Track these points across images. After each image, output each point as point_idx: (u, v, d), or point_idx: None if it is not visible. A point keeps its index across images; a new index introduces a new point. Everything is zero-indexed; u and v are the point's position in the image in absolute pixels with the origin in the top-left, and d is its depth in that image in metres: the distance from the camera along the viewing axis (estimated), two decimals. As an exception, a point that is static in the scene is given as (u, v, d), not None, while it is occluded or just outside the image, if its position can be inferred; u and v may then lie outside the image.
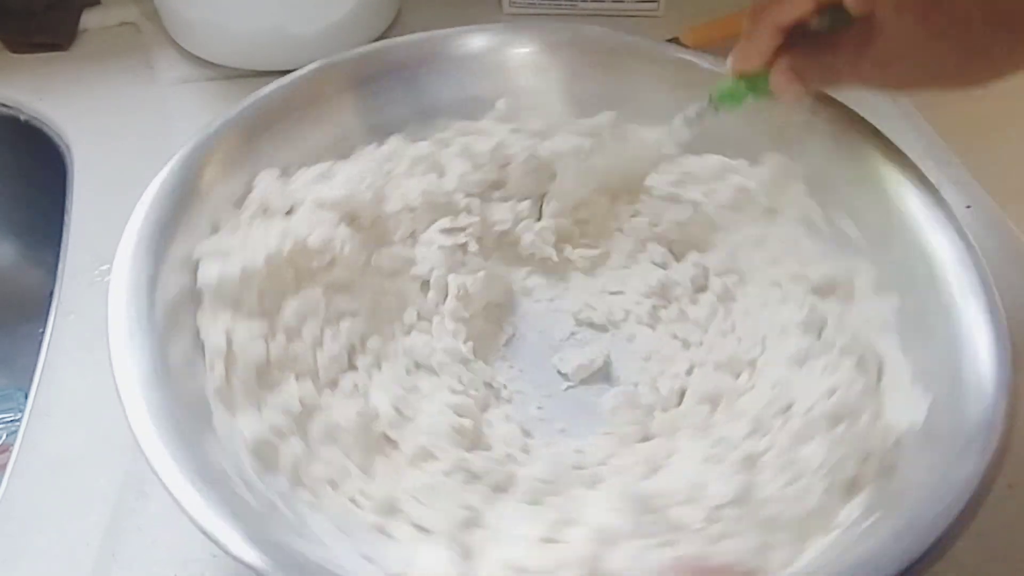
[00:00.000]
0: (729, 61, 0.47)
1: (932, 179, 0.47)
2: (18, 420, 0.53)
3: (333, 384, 0.45)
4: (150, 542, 0.43)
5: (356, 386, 0.45)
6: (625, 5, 0.74)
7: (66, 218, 0.59)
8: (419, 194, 0.51)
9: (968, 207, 0.58)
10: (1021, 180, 0.61)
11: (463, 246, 0.52)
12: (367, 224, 0.49)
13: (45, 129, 0.65)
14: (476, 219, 0.52)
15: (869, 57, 0.41)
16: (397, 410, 0.44)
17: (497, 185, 0.54)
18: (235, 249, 0.44)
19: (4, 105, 0.67)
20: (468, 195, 0.52)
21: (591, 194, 0.54)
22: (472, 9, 0.73)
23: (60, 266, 0.56)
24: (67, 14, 0.72)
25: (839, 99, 0.50)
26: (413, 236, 0.52)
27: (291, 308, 0.45)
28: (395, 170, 0.51)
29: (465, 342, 0.49)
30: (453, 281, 0.50)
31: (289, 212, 0.48)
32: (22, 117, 0.66)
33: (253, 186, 0.48)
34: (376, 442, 0.43)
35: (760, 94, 0.47)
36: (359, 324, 0.47)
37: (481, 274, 0.51)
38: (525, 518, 0.40)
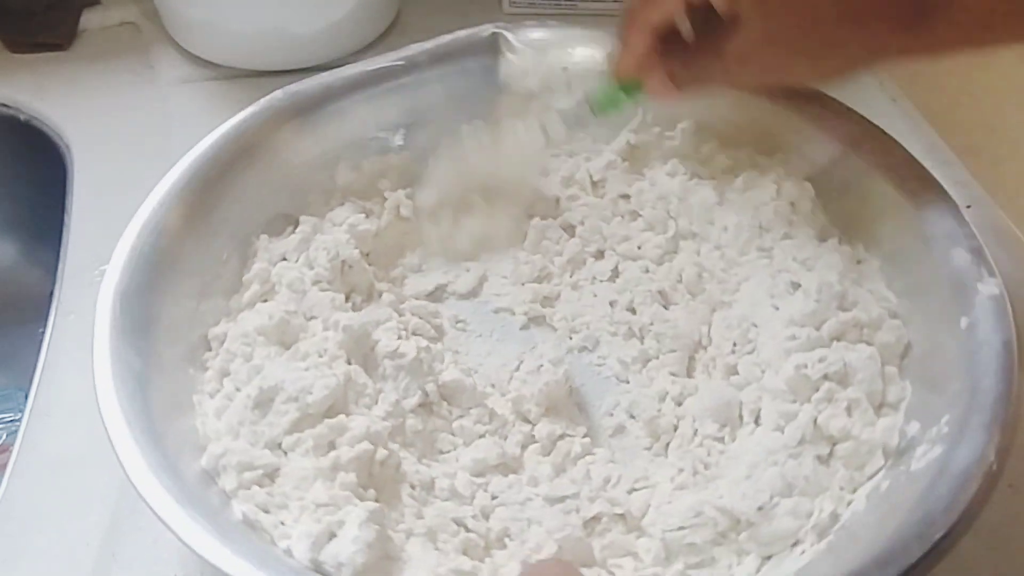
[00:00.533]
0: (605, 66, 0.48)
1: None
2: (18, 420, 0.52)
3: None
4: (150, 542, 0.43)
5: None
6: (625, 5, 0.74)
7: (66, 218, 0.59)
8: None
9: (968, 207, 0.58)
10: (1021, 180, 0.61)
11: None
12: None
13: (45, 129, 0.65)
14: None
15: (732, 53, 0.42)
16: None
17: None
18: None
19: (4, 105, 0.67)
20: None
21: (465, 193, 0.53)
22: (472, 9, 0.73)
23: (60, 266, 0.56)
24: (67, 14, 0.72)
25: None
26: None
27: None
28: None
29: None
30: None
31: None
32: (22, 117, 0.66)
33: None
34: None
35: (636, 97, 0.48)
36: None
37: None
38: None
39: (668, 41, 0.45)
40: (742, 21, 0.41)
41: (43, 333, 0.52)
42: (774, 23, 0.41)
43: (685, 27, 0.44)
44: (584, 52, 0.54)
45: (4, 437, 0.64)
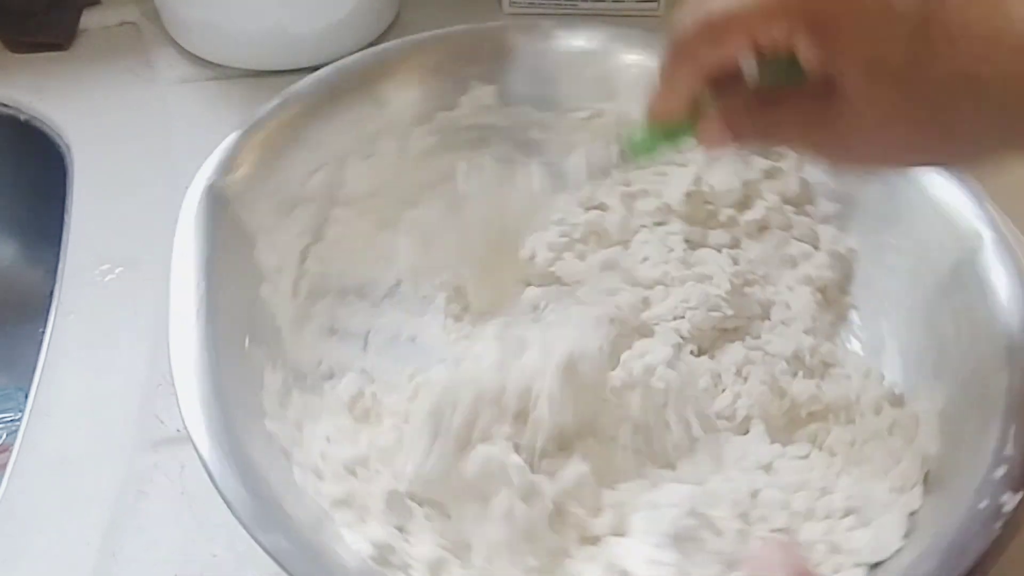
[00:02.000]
0: (644, 107, 0.39)
1: (932, 178, 0.47)
2: (18, 420, 0.52)
3: None
4: (150, 542, 0.43)
5: None
6: (625, 5, 0.74)
7: (66, 218, 0.59)
8: None
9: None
10: (1021, 180, 0.61)
11: None
12: None
13: (45, 129, 0.65)
14: None
15: (827, 126, 0.34)
16: None
17: None
18: None
19: (4, 105, 0.67)
20: None
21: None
22: (472, 9, 0.73)
23: (60, 266, 0.56)
24: (67, 14, 0.72)
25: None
26: None
27: None
28: None
29: None
30: None
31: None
32: (22, 117, 0.66)
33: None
34: None
35: (678, 143, 0.40)
36: None
37: None
38: None
39: (722, 82, 0.37)
40: (842, 87, 0.32)
41: (43, 333, 0.52)
42: (892, 99, 0.31)
43: (751, 73, 0.36)
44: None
45: (4, 437, 0.64)
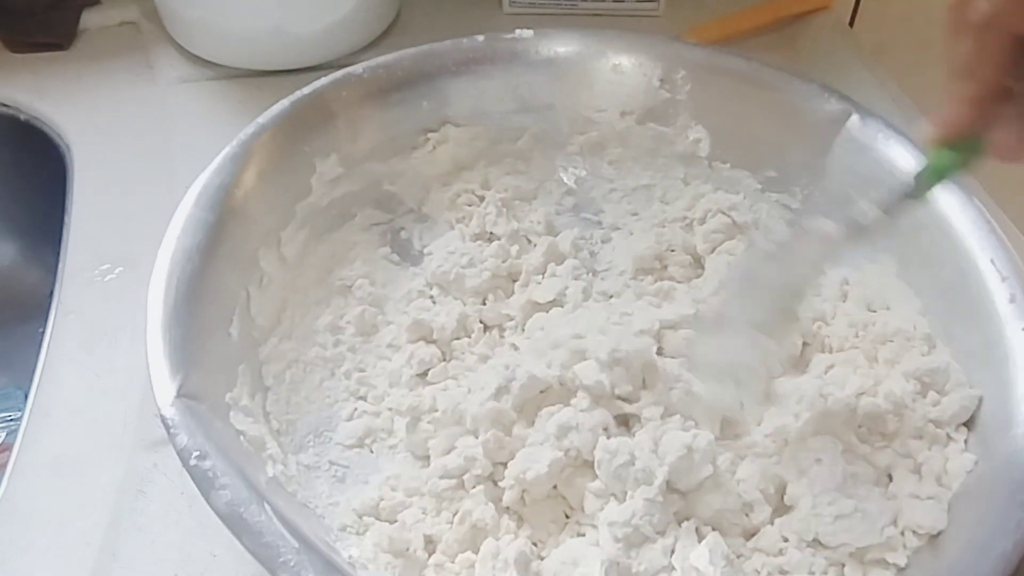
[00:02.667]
0: (929, 127, 0.35)
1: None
2: (18, 419, 0.52)
3: None
4: (150, 542, 0.43)
5: None
6: (625, 5, 0.74)
7: (66, 218, 0.59)
8: None
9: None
10: (1021, 180, 0.61)
11: None
12: None
13: (45, 129, 0.65)
14: None
15: None
16: None
17: None
18: None
19: (4, 105, 0.67)
20: None
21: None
22: (472, 9, 0.73)
23: (60, 266, 0.56)
24: (67, 14, 0.72)
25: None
26: None
27: None
28: None
29: None
30: None
31: None
32: (22, 117, 0.66)
33: None
34: None
35: (968, 164, 0.36)
36: None
37: None
38: None
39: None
40: None
41: (43, 333, 0.52)
42: None
43: None
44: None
45: (4, 437, 0.64)
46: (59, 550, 0.43)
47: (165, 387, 0.39)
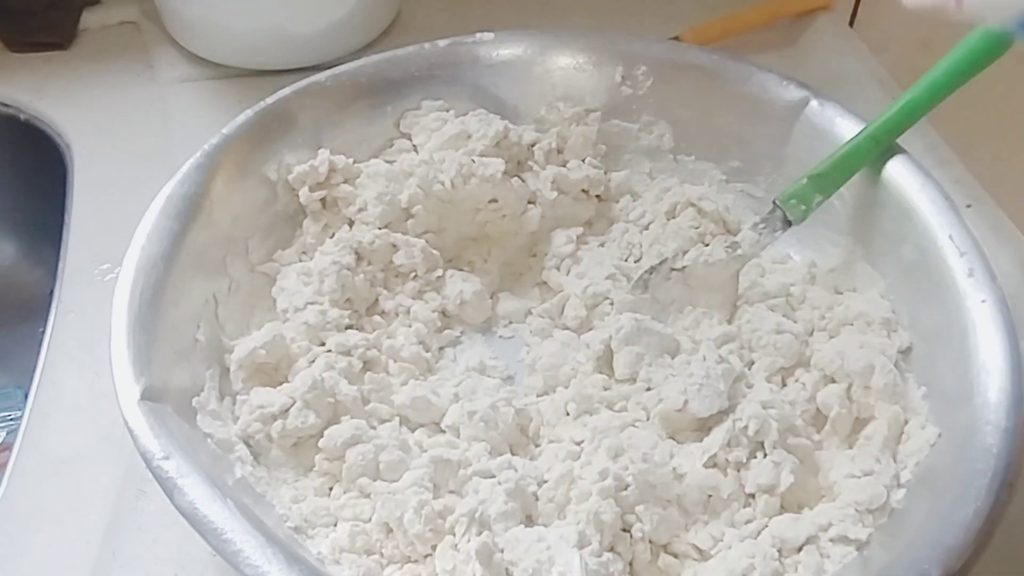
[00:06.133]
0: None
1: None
2: (18, 419, 0.53)
3: None
4: (150, 541, 0.43)
5: None
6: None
7: (66, 218, 0.59)
8: None
9: (968, 206, 0.58)
10: (1021, 180, 0.61)
11: None
12: None
13: (45, 129, 0.65)
14: None
15: None
16: None
17: None
18: None
19: (4, 105, 0.67)
20: None
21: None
22: (473, 9, 0.73)
23: (60, 266, 0.56)
24: (67, 14, 0.72)
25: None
26: None
27: None
28: None
29: None
30: None
31: None
32: (22, 117, 0.66)
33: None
34: None
35: (831, 195, 0.46)
36: None
37: None
38: None
39: None
40: None
41: (43, 333, 0.52)
42: None
43: None
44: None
45: (4, 436, 0.64)
46: (59, 550, 0.43)
47: (129, 390, 0.40)
